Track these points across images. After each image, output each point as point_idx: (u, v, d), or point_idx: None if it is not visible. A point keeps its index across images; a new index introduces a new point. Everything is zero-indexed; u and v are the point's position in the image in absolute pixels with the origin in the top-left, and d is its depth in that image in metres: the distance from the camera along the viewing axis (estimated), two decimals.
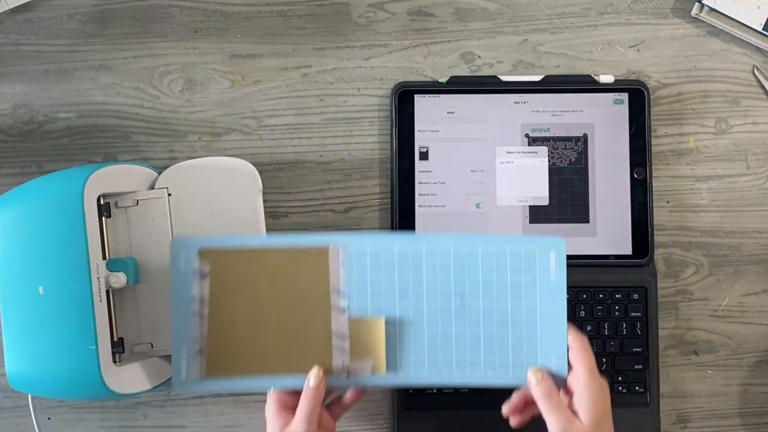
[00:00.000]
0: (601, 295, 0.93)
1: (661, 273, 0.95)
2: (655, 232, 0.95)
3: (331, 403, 0.88)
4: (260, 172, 0.90)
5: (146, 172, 0.90)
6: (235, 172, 0.90)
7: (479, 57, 0.97)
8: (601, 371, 0.92)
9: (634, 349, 0.93)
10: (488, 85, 0.95)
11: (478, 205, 0.95)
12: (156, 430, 0.95)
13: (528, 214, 0.94)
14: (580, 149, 0.95)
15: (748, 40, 0.96)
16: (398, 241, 0.84)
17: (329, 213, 0.96)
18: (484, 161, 0.95)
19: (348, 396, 0.87)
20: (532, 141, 0.95)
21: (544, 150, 0.95)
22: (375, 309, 0.83)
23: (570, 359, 0.80)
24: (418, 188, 0.95)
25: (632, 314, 0.93)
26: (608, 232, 0.94)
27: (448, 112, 0.95)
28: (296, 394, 0.82)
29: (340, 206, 0.96)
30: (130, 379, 0.86)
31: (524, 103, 0.95)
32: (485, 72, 0.97)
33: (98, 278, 0.84)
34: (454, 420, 0.92)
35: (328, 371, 0.83)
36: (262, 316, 0.84)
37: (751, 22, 0.95)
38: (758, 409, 0.96)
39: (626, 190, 0.94)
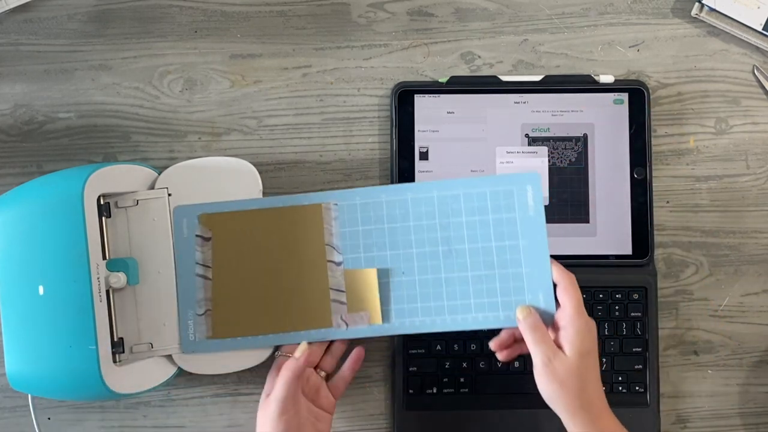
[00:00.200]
0: (601, 295, 0.93)
1: (661, 273, 0.95)
2: (655, 232, 0.95)
3: (330, 377, 0.89)
4: (260, 172, 0.90)
5: (146, 172, 0.90)
6: (235, 172, 0.90)
7: (479, 57, 0.97)
8: (602, 371, 0.92)
9: (634, 349, 0.93)
10: (488, 85, 0.95)
11: None
12: (156, 430, 0.95)
13: None
14: (580, 149, 0.95)
15: (748, 40, 0.96)
16: (385, 192, 0.88)
17: None
18: (484, 161, 0.95)
19: (346, 365, 0.90)
20: (532, 141, 0.95)
21: (544, 150, 0.95)
22: (368, 261, 0.88)
23: (558, 296, 0.82)
24: None
25: (632, 314, 0.93)
26: (608, 232, 0.94)
27: (448, 112, 0.95)
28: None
29: None
30: (130, 379, 0.86)
31: (524, 103, 0.95)
32: (485, 72, 0.97)
33: (98, 278, 0.84)
34: (454, 420, 0.92)
35: (327, 325, 0.87)
36: (264, 276, 0.88)
37: (751, 22, 0.95)
38: (758, 409, 0.96)
39: (626, 190, 0.94)
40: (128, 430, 0.95)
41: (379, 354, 0.95)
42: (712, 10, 0.95)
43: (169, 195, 0.90)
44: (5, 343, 0.84)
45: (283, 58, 0.96)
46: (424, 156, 0.95)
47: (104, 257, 0.86)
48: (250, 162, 0.90)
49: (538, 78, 0.95)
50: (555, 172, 0.95)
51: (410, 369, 0.93)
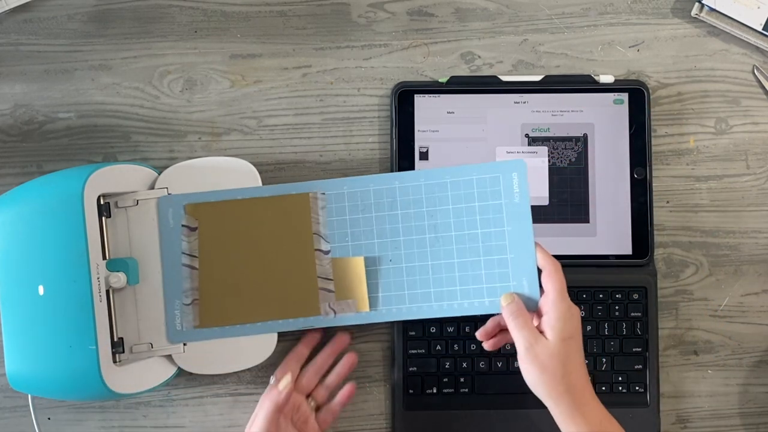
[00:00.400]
0: (601, 295, 0.93)
1: (661, 273, 0.95)
2: (655, 232, 0.95)
3: (319, 409, 0.89)
4: (260, 172, 0.90)
5: (146, 172, 0.90)
6: (235, 172, 0.90)
7: (479, 57, 0.97)
8: (602, 371, 0.92)
9: (634, 349, 0.93)
10: (488, 85, 0.95)
11: None
12: (156, 430, 0.95)
13: None
14: (580, 149, 0.95)
15: (748, 40, 0.96)
16: (373, 181, 0.88)
17: None
18: (484, 161, 0.94)
19: (336, 400, 0.90)
20: (532, 141, 0.95)
21: (544, 150, 0.95)
22: (355, 250, 0.88)
23: (542, 282, 0.83)
24: None
25: (632, 314, 0.93)
26: (608, 232, 0.94)
27: (448, 112, 0.95)
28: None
29: None
30: (130, 379, 0.86)
31: (524, 103, 0.95)
32: (485, 72, 0.97)
33: (98, 278, 0.84)
34: (454, 420, 0.92)
35: (315, 313, 0.88)
36: (251, 265, 0.89)
37: (751, 22, 0.95)
38: (758, 409, 0.96)
39: (626, 190, 0.94)
40: (128, 430, 0.95)
41: (379, 354, 0.95)
42: (712, 10, 0.95)
43: (169, 195, 0.90)
44: (5, 343, 0.84)
45: (283, 58, 0.96)
46: (424, 156, 0.95)
47: (104, 257, 0.86)
48: (250, 162, 0.90)
49: (538, 78, 0.95)
50: (555, 172, 0.95)
51: (410, 369, 0.93)
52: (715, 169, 0.96)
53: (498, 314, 0.85)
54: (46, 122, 0.96)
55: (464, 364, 0.93)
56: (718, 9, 0.95)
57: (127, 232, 0.89)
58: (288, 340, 0.94)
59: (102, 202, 0.86)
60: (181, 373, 0.90)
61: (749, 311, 0.96)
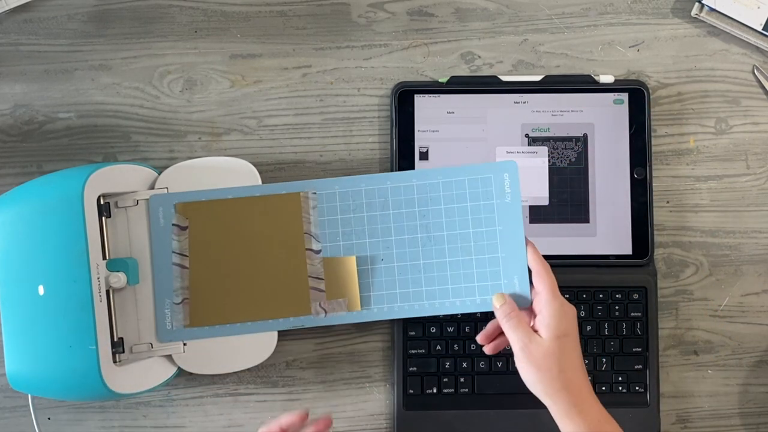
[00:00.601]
0: (601, 295, 0.93)
1: (661, 273, 0.95)
2: (655, 232, 0.95)
3: None
4: (260, 172, 0.90)
5: (146, 172, 0.90)
6: (235, 172, 0.90)
7: (479, 57, 0.97)
8: (602, 371, 0.92)
9: (634, 349, 0.93)
10: (488, 85, 0.95)
11: None
12: (156, 430, 0.95)
13: (528, 214, 0.94)
14: (580, 149, 0.95)
15: (748, 40, 0.96)
16: (365, 181, 0.88)
17: None
18: (485, 161, 0.94)
19: None
20: (532, 141, 0.95)
21: (544, 150, 0.95)
22: (347, 249, 0.89)
23: (533, 283, 0.83)
24: None
25: (632, 314, 0.93)
26: (608, 232, 0.94)
27: (448, 112, 0.95)
28: None
29: None
30: (130, 379, 0.86)
31: (524, 103, 0.95)
32: (485, 72, 0.97)
33: (98, 278, 0.84)
34: (454, 420, 0.92)
35: (306, 312, 0.88)
36: (241, 265, 0.89)
37: (751, 22, 0.95)
38: (758, 409, 0.96)
39: (626, 190, 0.94)
40: (128, 430, 0.95)
41: (379, 354, 0.95)
42: (712, 10, 0.95)
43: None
44: (5, 343, 0.84)
45: (283, 58, 0.96)
46: (424, 156, 0.95)
47: (104, 257, 0.86)
48: (250, 162, 0.90)
49: (538, 78, 0.95)
50: (555, 172, 0.95)
51: (410, 369, 0.93)
52: (715, 169, 0.96)
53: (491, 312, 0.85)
54: (46, 122, 0.96)
55: (464, 364, 0.93)
56: (718, 9, 0.95)
57: (127, 232, 0.89)
58: (288, 340, 0.94)
59: (102, 202, 0.86)
60: (181, 373, 0.90)
61: (749, 311, 0.96)
